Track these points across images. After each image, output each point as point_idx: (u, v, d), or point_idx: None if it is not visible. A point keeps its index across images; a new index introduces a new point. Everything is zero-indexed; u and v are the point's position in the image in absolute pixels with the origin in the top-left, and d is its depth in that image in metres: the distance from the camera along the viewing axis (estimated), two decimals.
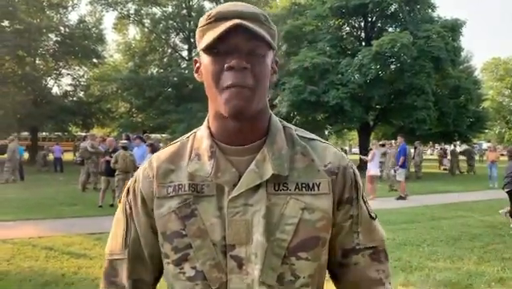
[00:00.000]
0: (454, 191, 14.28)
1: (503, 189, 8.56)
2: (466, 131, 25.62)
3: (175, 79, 24.36)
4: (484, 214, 9.64)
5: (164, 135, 30.22)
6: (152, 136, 24.03)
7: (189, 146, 1.05)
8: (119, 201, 1.11)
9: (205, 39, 0.93)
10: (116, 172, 9.65)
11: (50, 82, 28.72)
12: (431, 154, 45.28)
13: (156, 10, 26.03)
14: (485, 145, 34.33)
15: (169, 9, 26.00)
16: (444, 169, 24.54)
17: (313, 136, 1.08)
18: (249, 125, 0.98)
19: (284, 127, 1.05)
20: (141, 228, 1.05)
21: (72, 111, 26.28)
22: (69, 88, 29.47)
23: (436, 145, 31.34)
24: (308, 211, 0.97)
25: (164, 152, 1.07)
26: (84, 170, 13.08)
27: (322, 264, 1.01)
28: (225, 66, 0.91)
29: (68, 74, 29.30)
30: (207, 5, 26.51)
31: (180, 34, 26.65)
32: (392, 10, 24.19)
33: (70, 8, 27.75)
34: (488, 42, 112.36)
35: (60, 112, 24.95)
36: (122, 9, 25.60)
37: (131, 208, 1.06)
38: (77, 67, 29.31)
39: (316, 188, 0.99)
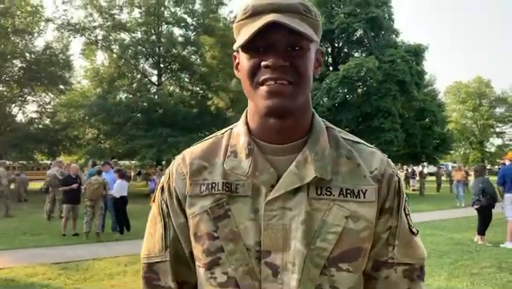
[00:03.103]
0: (423, 210, 14.52)
1: (472, 206, 8.78)
2: (433, 152, 26.32)
3: (144, 104, 24.13)
4: (452, 232, 9.85)
5: (133, 161, 29.73)
6: (121, 162, 23.62)
7: (225, 143, 0.99)
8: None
9: (241, 36, 0.89)
10: (86, 199, 9.43)
11: (15, 109, 28.04)
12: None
13: (125, 36, 25.91)
14: (451, 166, 35.28)
15: (138, 35, 25.91)
16: (414, 190, 25.02)
17: (358, 139, 1.02)
18: (291, 123, 0.92)
19: (327, 127, 0.99)
20: (180, 227, 0.99)
21: (38, 139, 25.53)
22: (34, 115, 28.76)
23: (405, 167, 32.04)
24: (352, 220, 0.90)
25: (197, 148, 1.02)
26: (49, 198, 12.64)
27: (361, 276, 0.94)
28: (262, 64, 0.86)
29: (34, 100, 28.63)
30: (176, 31, 26.67)
31: (150, 59, 26.55)
32: (358, 35, 24.99)
33: (36, 34, 27.29)
34: (450, 67, 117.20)
35: (25, 140, 24.18)
36: (90, 35, 25.35)
37: (167, 206, 1.00)
38: (43, 94, 28.69)
39: (362, 195, 0.92)
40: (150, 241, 1.03)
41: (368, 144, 1.02)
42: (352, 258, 0.90)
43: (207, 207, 0.93)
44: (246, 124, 0.98)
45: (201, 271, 0.95)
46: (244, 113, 1.01)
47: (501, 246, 8.21)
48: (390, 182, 0.96)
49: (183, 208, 0.98)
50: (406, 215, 0.99)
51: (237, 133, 0.98)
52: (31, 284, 5.82)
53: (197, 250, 0.94)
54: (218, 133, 1.04)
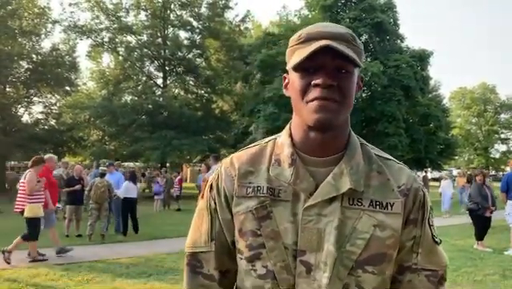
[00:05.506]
0: None
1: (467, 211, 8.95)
2: (437, 157, 26.23)
3: (149, 106, 24.23)
4: (456, 238, 9.78)
5: (137, 163, 29.77)
6: (125, 164, 23.64)
7: (269, 151, 1.10)
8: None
9: (294, 58, 1.00)
10: (90, 201, 9.47)
11: (21, 110, 28.20)
12: None
13: (131, 39, 26.06)
14: (455, 172, 35.11)
15: (144, 37, 26.04)
16: None
17: (388, 156, 1.12)
18: (331, 138, 1.03)
19: (362, 144, 1.10)
20: (225, 222, 1.10)
21: (43, 140, 25.70)
22: (40, 116, 28.93)
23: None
24: (380, 228, 1.01)
25: (245, 154, 1.12)
26: None
27: (386, 278, 1.04)
28: (312, 83, 0.97)
29: (40, 102, 28.81)
30: (182, 34, 26.77)
31: (155, 62, 26.66)
32: (363, 40, 24.89)
33: (43, 36, 27.46)
34: (455, 72, 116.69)
35: (30, 141, 24.33)
36: (96, 37, 25.52)
37: (215, 203, 1.12)
38: (49, 95, 28.84)
39: (390, 207, 1.02)
40: (196, 232, 1.15)
41: (397, 161, 1.12)
42: (377, 262, 1.01)
43: (252, 207, 1.04)
44: (290, 136, 1.08)
45: (242, 263, 1.06)
46: (288, 126, 1.11)
47: (505, 253, 8.16)
48: (416, 196, 1.07)
49: (229, 205, 1.09)
50: (430, 226, 1.10)
51: (282, 143, 1.09)
52: (34, 285, 5.83)
53: (241, 244, 1.06)
54: (263, 141, 1.15)
